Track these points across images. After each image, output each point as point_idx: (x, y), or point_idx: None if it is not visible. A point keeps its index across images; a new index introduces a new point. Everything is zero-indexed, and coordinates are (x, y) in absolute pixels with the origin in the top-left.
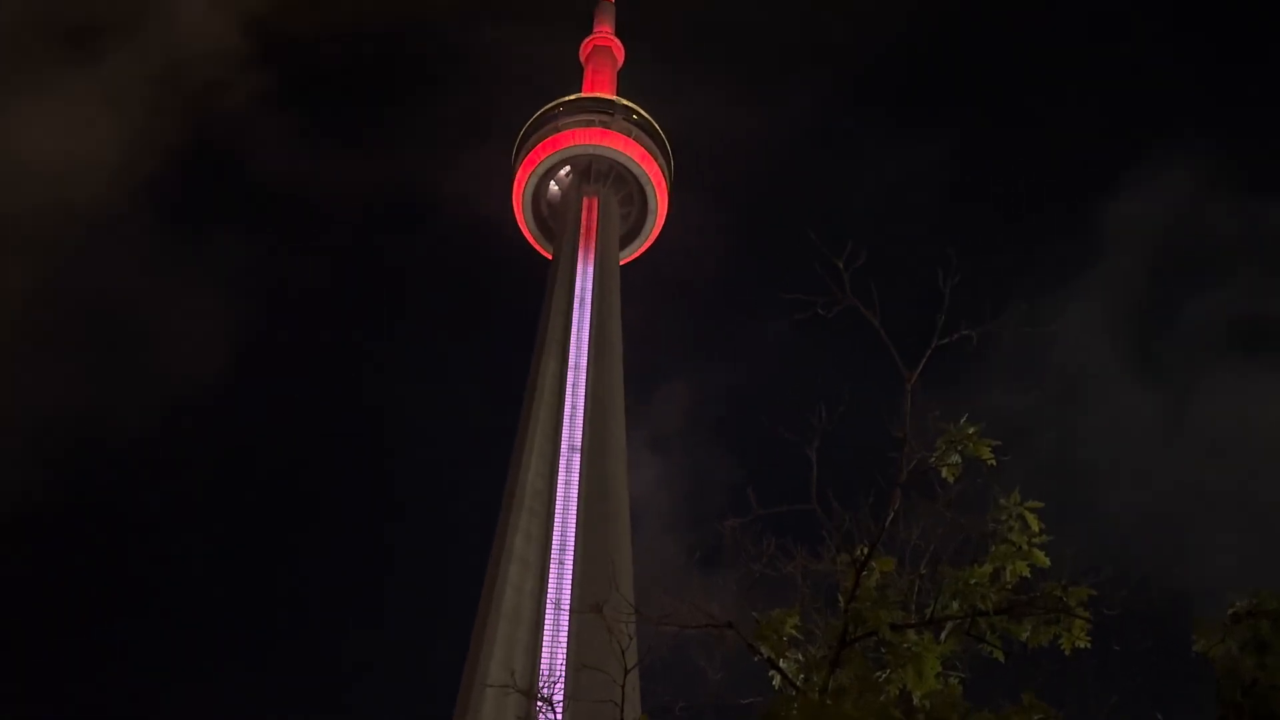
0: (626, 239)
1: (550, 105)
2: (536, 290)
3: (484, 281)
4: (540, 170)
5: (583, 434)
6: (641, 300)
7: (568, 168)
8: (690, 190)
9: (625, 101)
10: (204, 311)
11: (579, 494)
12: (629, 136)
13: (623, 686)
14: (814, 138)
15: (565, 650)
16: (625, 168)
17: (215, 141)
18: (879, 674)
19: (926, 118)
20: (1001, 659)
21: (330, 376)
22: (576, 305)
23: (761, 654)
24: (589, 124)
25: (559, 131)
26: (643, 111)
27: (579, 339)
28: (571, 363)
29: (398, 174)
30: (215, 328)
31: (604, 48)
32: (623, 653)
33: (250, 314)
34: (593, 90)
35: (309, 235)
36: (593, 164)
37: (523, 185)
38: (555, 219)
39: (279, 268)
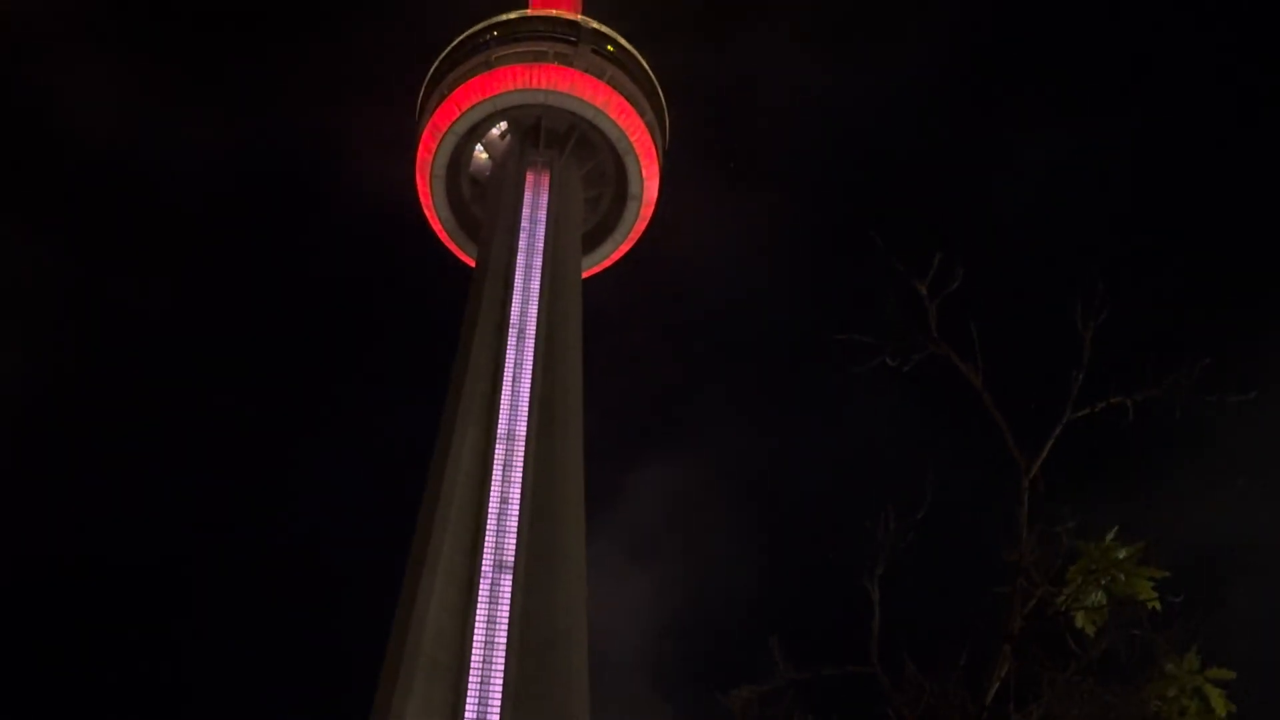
0: (595, 237)
1: (478, 28)
2: (451, 313)
3: (371, 300)
4: (459, 129)
5: (516, 544)
6: (617, 332)
7: (503, 125)
8: (696, 167)
9: (596, 25)
10: None
11: (509, 639)
12: (601, 79)
13: None
14: (904, 107)
15: None
16: (594, 127)
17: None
18: None
19: (1085, 101)
20: None
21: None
22: (512, 339)
23: None
24: (538, 58)
25: (491, 69)
26: (624, 41)
27: (515, 393)
28: (501, 430)
29: (251, 138)
30: None
31: None
32: None
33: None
34: (546, 6)
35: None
36: (543, 120)
37: (431, 152)
38: (482, 204)
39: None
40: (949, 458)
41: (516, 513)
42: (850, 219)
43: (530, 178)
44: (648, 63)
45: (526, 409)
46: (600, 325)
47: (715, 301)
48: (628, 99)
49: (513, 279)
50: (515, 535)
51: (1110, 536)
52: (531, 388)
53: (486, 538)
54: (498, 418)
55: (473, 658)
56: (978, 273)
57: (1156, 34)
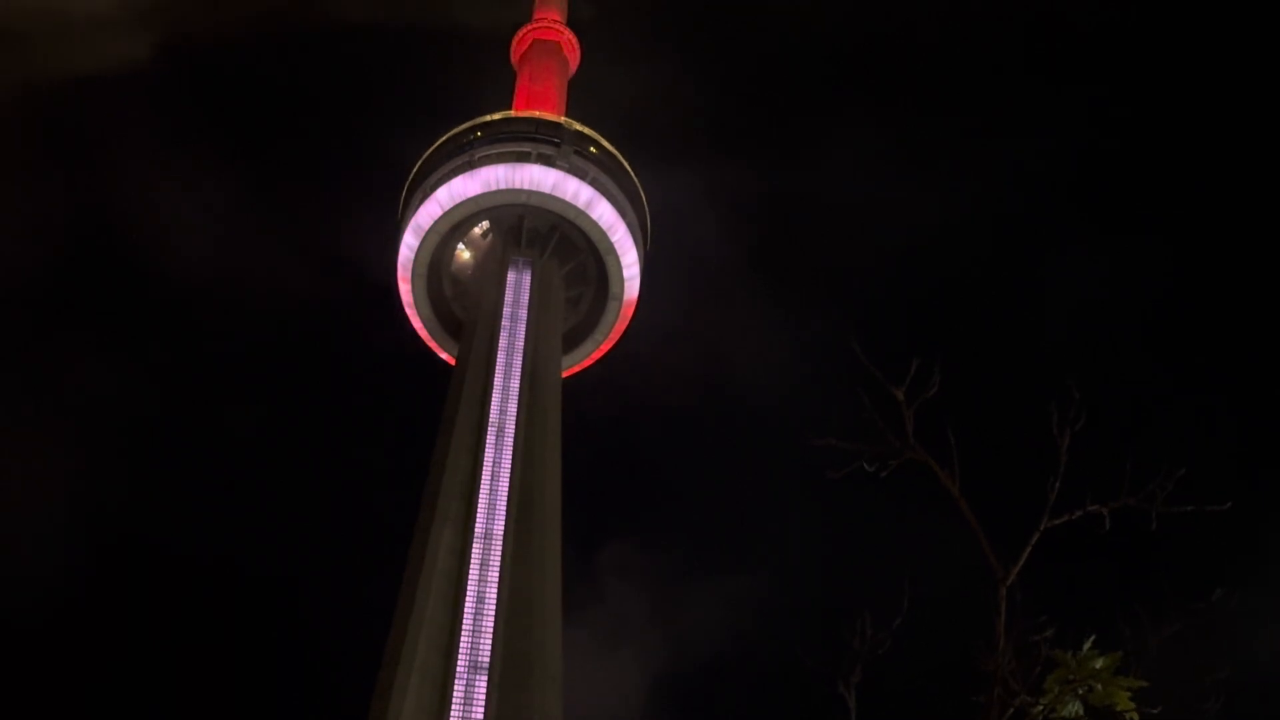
0: (576, 336)
1: (462, 128)
2: (430, 412)
3: (350, 398)
4: (441, 227)
5: (492, 645)
6: (596, 430)
7: (486, 224)
8: (679, 268)
9: (579, 126)
10: None
11: None
12: (583, 179)
13: None
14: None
15: None
16: (576, 227)
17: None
18: None
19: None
20: None
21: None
22: (491, 438)
23: None
24: (521, 158)
25: (474, 168)
26: (606, 143)
27: (492, 492)
28: (478, 531)
29: (245, 233)
30: None
31: (549, 43)
32: None
33: None
34: (529, 108)
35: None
36: (525, 220)
37: (413, 250)
38: (463, 303)
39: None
40: (927, 563)
41: (493, 613)
42: (842, 324)
43: (512, 277)
44: (629, 164)
45: (505, 508)
46: (578, 425)
47: (690, 401)
48: (609, 200)
49: (493, 377)
50: (491, 636)
51: (1087, 645)
52: (510, 487)
53: (462, 638)
54: (475, 516)
55: None
56: (961, 380)
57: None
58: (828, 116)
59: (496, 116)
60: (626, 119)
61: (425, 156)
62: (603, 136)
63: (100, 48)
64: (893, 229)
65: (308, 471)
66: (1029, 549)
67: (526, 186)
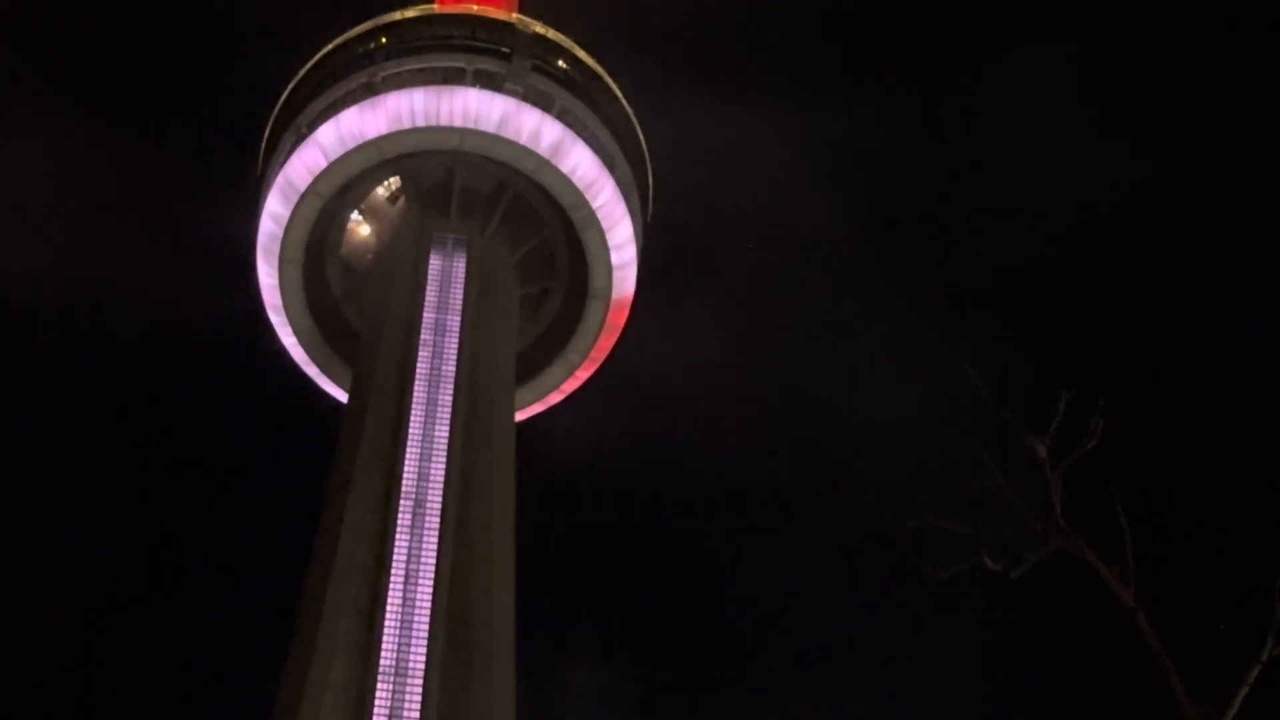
0: (538, 356)
1: (357, 32)
2: (312, 481)
3: (202, 451)
4: (324, 187)
5: None
6: (570, 501)
7: (394, 182)
8: (705, 252)
9: (541, 28)
10: None
11: None
12: (548, 111)
13: None
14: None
15: None
16: (537, 186)
17: None
18: None
19: None
20: None
21: None
22: (404, 519)
23: None
24: (450, 78)
25: (376, 94)
26: (583, 54)
27: (407, 602)
28: (385, 664)
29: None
30: None
31: None
32: None
33: None
34: (463, 1)
35: None
36: (457, 175)
37: (281, 223)
38: (361, 305)
39: None
40: (1086, 708)
41: None
42: (960, 340)
43: (436, 263)
44: (622, 89)
45: (427, 628)
46: (544, 495)
47: (733, 451)
48: (589, 143)
49: (406, 421)
50: None
51: None
52: (435, 593)
53: None
54: (379, 644)
55: None
56: (1133, 429)
57: None
58: (965, 30)
59: (411, 14)
60: (625, 20)
61: (298, 79)
62: (579, 46)
63: None
64: (1052, 200)
65: (141, 569)
66: (1245, 689)
67: (459, 123)
